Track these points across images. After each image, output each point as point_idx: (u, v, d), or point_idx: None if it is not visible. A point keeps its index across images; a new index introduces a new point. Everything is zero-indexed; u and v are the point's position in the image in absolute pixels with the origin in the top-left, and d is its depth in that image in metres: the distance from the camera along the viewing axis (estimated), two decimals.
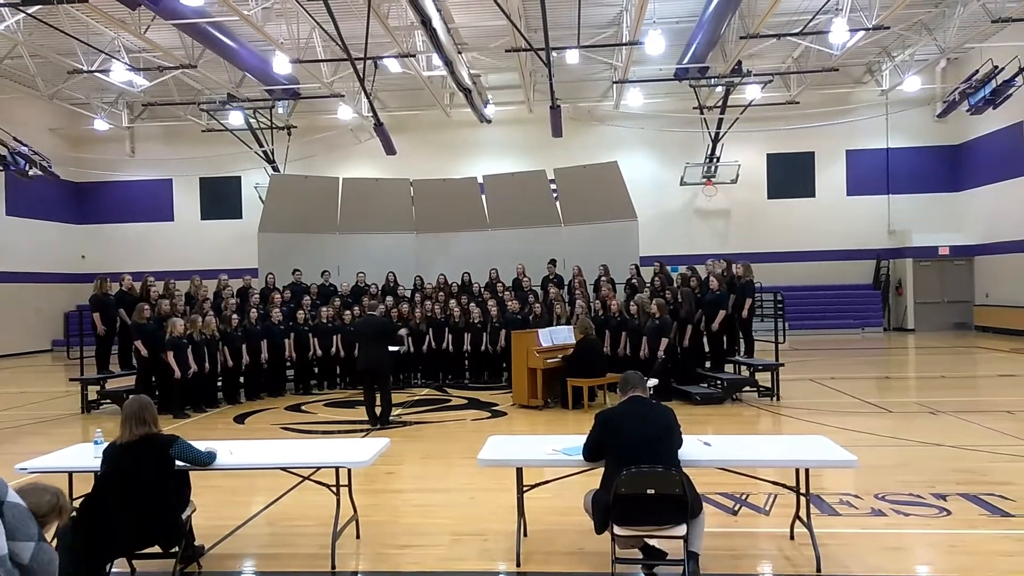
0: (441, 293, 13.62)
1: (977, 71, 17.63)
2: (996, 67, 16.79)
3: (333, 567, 4.50)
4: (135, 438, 4.10)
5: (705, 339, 11.09)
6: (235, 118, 20.50)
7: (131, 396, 4.47)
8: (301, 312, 12.22)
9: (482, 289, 13.93)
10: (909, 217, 21.82)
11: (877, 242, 22.09)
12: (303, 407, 10.74)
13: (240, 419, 9.90)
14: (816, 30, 16.00)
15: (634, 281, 12.60)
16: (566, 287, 13.57)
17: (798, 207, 22.21)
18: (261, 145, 21.03)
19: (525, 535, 4.76)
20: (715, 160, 21.35)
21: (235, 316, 11.24)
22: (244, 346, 11.11)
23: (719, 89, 19.43)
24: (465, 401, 10.95)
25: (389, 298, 13.21)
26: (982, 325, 20.48)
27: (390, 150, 17.55)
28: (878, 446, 7.40)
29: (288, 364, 12.08)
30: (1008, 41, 17.33)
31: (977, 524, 5.04)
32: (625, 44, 16.42)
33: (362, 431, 8.77)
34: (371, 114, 17.37)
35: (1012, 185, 19.36)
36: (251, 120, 20.43)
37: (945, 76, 21.35)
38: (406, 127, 22.02)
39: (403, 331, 12.06)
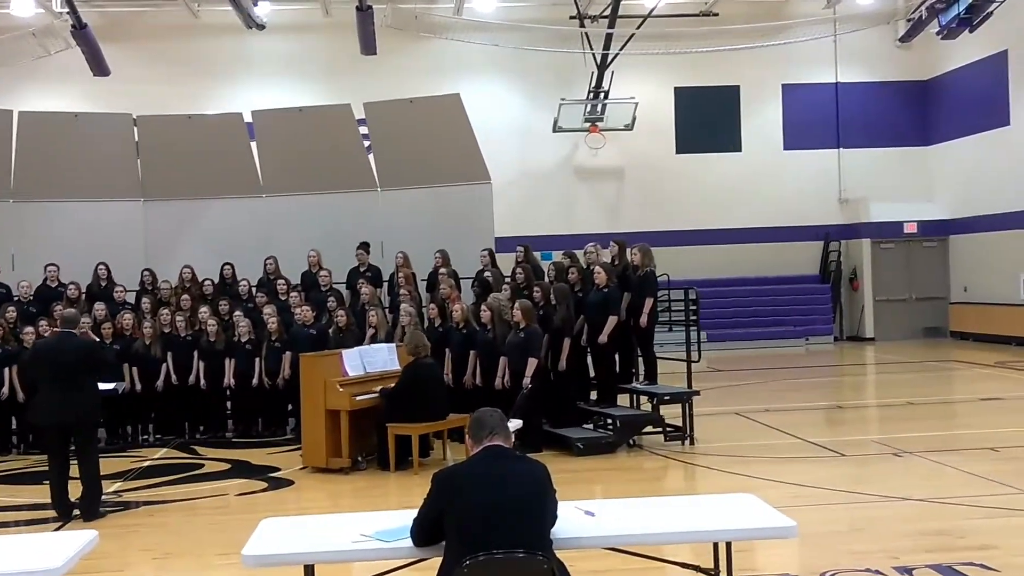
0: (186, 296, 13.31)
1: None
2: None
3: None
4: None
5: (589, 358, 11.46)
6: None
7: None
8: None
9: (253, 289, 13.67)
10: (866, 181, 23.70)
11: (825, 216, 23.86)
12: None
13: None
14: None
15: (487, 274, 12.81)
16: (385, 284, 13.63)
17: (718, 166, 23.55)
18: None
19: None
20: (602, 96, 22.11)
21: None
22: None
23: None
24: (227, 466, 10.82)
25: (99, 304, 12.66)
26: (959, 330, 22.68)
27: (100, 69, 16.88)
28: (826, 504, 8.01)
29: None
30: None
31: None
32: None
33: (54, 520, 8.37)
34: (67, 10, 16.52)
35: (995, 136, 21.47)
36: None
37: None
38: (125, 33, 21.29)
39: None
